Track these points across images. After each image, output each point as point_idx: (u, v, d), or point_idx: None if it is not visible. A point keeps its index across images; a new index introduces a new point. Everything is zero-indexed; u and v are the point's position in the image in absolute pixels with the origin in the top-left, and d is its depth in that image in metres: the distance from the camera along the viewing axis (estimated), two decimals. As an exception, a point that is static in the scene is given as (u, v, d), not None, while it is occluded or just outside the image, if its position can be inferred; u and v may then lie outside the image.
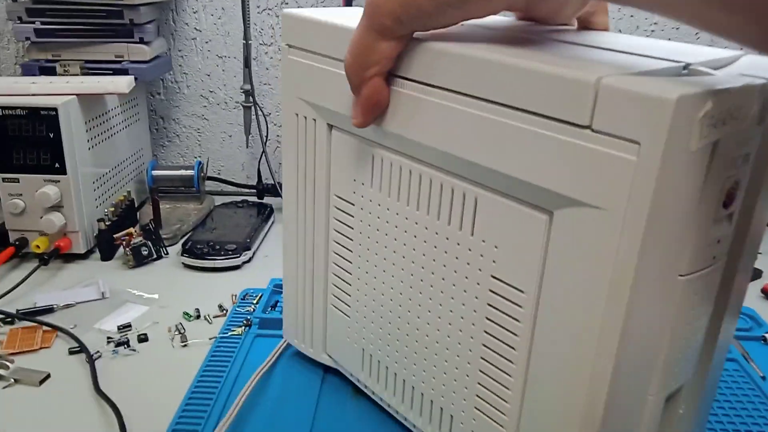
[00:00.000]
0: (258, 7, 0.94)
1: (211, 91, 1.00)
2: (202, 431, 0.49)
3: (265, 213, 0.89)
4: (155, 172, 0.91)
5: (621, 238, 0.29)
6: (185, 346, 0.61)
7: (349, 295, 0.49)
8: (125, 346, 0.60)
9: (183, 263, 0.77)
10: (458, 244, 0.38)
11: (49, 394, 0.54)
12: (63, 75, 0.82)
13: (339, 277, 0.50)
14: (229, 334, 0.62)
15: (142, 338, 0.62)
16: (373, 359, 0.49)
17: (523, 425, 0.37)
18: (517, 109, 0.32)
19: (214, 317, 0.66)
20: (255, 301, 0.68)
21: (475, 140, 0.34)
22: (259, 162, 0.96)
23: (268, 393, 0.54)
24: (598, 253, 0.30)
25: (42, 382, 0.56)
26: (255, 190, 0.96)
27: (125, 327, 0.63)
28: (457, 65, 0.34)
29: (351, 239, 0.47)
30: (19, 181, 0.73)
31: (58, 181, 0.74)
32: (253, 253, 0.80)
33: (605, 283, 0.30)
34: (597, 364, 0.32)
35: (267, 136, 0.96)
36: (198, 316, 0.66)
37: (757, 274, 0.76)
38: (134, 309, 0.67)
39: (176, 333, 0.63)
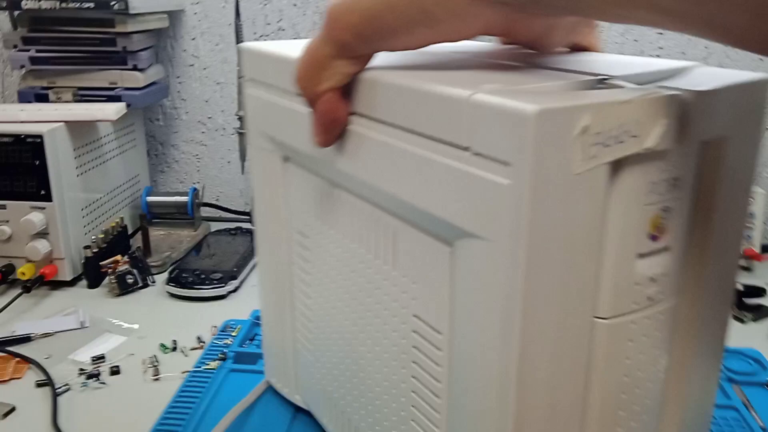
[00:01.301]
0: (254, 33, 0.94)
1: (209, 117, 0.99)
2: (157, 473, 0.47)
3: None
4: (149, 198, 0.90)
5: (506, 272, 0.26)
6: (157, 379, 0.60)
7: (311, 333, 0.47)
8: (95, 378, 0.59)
9: (168, 292, 0.76)
10: (385, 280, 0.36)
11: (11, 428, 0.53)
12: (55, 102, 0.82)
13: (303, 314, 0.48)
14: (203, 367, 0.60)
15: (114, 370, 0.60)
16: (331, 401, 0.46)
17: None
18: (412, 132, 0.30)
19: (191, 349, 0.64)
20: (234, 333, 0.66)
21: (385, 168, 0.33)
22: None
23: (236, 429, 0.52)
24: (490, 290, 0.27)
25: (6, 415, 0.54)
26: (249, 217, 0.94)
27: (99, 358, 0.62)
28: (371, 90, 0.33)
29: (309, 274, 0.45)
30: (5, 208, 0.73)
31: (44, 208, 0.73)
32: (240, 283, 0.78)
33: (498, 324, 0.27)
34: (497, 415, 0.28)
35: (262, 163, 0.95)
36: (174, 349, 0.65)
37: (763, 312, 0.71)
38: (112, 339, 0.66)
39: (149, 366, 0.61)
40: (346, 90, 0.34)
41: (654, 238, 0.27)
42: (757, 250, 0.84)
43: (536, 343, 0.27)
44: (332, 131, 0.35)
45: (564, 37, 0.38)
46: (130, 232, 0.89)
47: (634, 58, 0.35)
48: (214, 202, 1.00)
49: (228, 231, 0.91)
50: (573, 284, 0.26)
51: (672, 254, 0.28)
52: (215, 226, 0.94)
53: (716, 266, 0.31)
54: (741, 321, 0.71)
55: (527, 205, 0.24)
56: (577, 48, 0.39)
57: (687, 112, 0.26)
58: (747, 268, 0.84)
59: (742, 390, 0.57)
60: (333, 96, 0.34)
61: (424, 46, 0.31)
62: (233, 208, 1.00)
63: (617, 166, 0.25)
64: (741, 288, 0.74)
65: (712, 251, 0.30)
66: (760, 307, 0.73)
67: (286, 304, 0.49)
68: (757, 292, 0.74)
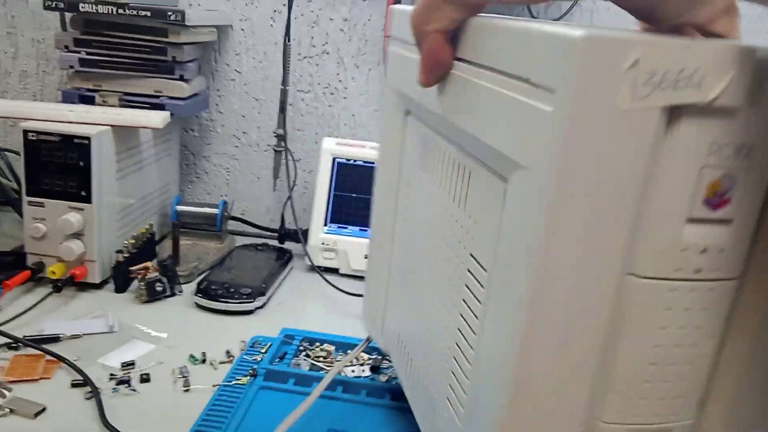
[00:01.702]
0: (299, 54, 0.95)
1: (244, 132, 1.00)
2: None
3: (284, 258, 0.88)
4: (179, 208, 0.91)
5: (538, 203, 0.26)
6: (187, 390, 0.59)
7: (398, 276, 0.51)
8: (126, 384, 0.59)
9: (196, 303, 0.76)
10: (456, 221, 0.38)
11: (43, 428, 0.53)
12: (101, 105, 0.83)
13: (395, 257, 0.52)
14: (233, 382, 0.60)
15: (145, 378, 0.60)
16: (400, 342, 0.51)
17: (473, 409, 0.35)
18: (492, 69, 0.31)
19: (219, 363, 0.64)
20: (264, 350, 0.66)
21: (465, 106, 0.34)
22: (284, 207, 0.95)
23: None
24: (523, 222, 0.27)
25: (37, 414, 0.54)
26: (277, 234, 0.95)
27: (129, 364, 0.62)
28: (467, 34, 0.35)
29: (406, 220, 0.49)
30: (44, 206, 0.74)
31: (83, 209, 0.73)
32: (268, 299, 0.79)
33: (523, 256, 0.27)
34: (509, 344, 0.29)
35: (295, 182, 0.96)
36: (204, 361, 0.64)
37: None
38: (140, 346, 0.66)
39: (180, 376, 0.61)
40: (454, 36, 0.36)
41: (712, 205, 0.26)
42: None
43: (557, 281, 0.26)
44: (434, 71, 0.37)
45: (683, 10, 0.33)
46: (157, 238, 0.89)
47: None
48: (241, 217, 1.00)
49: (255, 246, 0.92)
50: (606, 230, 0.26)
51: (733, 228, 0.27)
52: (239, 241, 0.95)
53: None
54: None
55: (566, 134, 0.24)
56: (713, 35, 0.35)
57: (763, 70, 0.24)
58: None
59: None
60: (439, 37, 0.36)
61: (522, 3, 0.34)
62: (259, 224, 1.00)
63: (675, 114, 0.24)
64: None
65: None
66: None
67: (387, 248, 0.52)
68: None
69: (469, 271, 0.36)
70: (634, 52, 0.23)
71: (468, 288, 0.36)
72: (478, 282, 0.34)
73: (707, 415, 0.31)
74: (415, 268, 0.47)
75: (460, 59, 0.36)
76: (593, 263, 0.26)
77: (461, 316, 0.37)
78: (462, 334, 0.37)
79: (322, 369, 0.64)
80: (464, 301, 0.36)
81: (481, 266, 0.34)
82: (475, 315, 0.35)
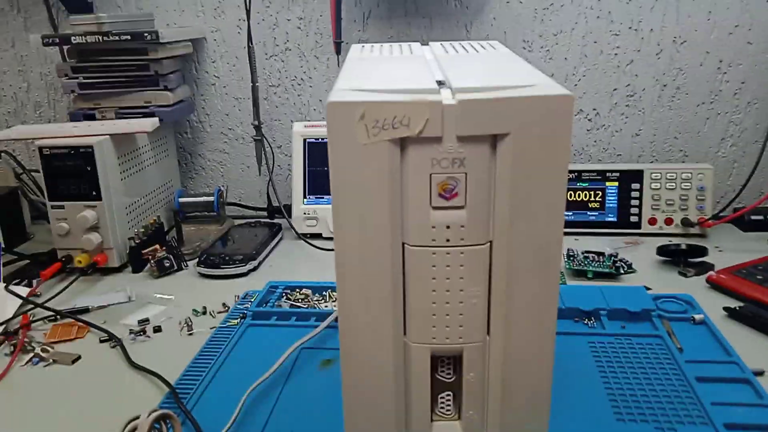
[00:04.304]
0: (266, 54, 1.09)
1: (230, 129, 1.15)
2: (196, 390, 0.60)
3: (273, 230, 1.02)
4: (181, 199, 1.06)
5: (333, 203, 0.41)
6: (191, 334, 0.74)
7: None
8: (142, 333, 0.74)
9: (198, 272, 0.90)
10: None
11: (79, 372, 0.68)
12: (101, 120, 0.98)
13: None
14: (227, 324, 0.74)
15: (157, 329, 0.75)
16: None
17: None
18: None
19: (218, 313, 0.79)
20: (253, 299, 0.80)
21: None
22: (267, 187, 1.09)
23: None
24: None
25: (74, 361, 0.69)
26: (267, 212, 1.09)
27: (144, 321, 0.77)
28: None
29: None
30: (64, 208, 0.89)
31: (95, 207, 0.89)
32: (259, 263, 0.93)
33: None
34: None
35: (273, 165, 1.10)
36: (204, 312, 0.79)
37: (704, 268, 0.83)
38: (153, 309, 0.81)
39: (185, 325, 0.75)
40: None
41: (445, 198, 0.40)
42: (708, 217, 0.95)
43: (349, 251, 0.41)
44: None
45: None
46: (165, 229, 1.04)
47: (516, 64, 0.48)
48: (236, 201, 1.15)
49: (249, 224, 1.06)
50: (379, 216, 0.40)
51: (468, 211, 0.41)
52: (238, 222, 1.09)
53: (521, 225, 0.41)
54: (685, 275, 0.83)
55: (334, 159, 0.39)
56: None
57: (447, 113, 0.38)
58: (702, 235, 0.96)
59: (670, 324, 0.69)
60: None
61: None
62: (253, 206, 1.14)
63: (405, 143, 0.39)
64: (685, 247, 0.85)
65: (510, 214, 0.40)
66: (702, 264, 0.84)
67: None
68: (700, 251, 0.85)
69: None
70: (360, 109, 0.38)
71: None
72: None
73: (492, 338, 0.45)
74: None
75: None
76: (372, 237, 0.41)
77: None
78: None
79: (300, 307, 0.78)
80: None
81: None
82: None
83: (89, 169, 0.87)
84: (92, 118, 1.00)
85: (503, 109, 0.39)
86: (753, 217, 0.96)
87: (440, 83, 0.42)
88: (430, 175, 0.40)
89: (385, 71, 0.48)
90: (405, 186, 0.40)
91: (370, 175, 0.40)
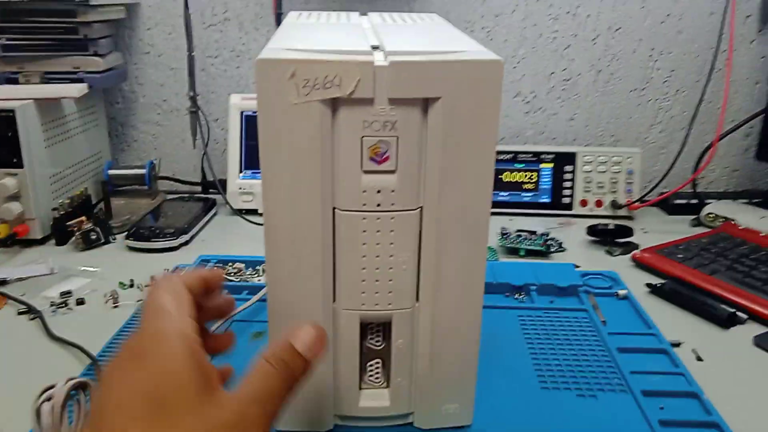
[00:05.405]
0: (203, 23, 1.05)
1: (164, 100, 1.11)
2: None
3: (207, 205, 1.00)
4: (111, 171, 1.02)
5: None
6: (116, 307, 0.71)
7: None
8: (64, 305, 0.71)
9: (127, 246, 0.87)
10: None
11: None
12: (25, 84, 0.93)
13: None
14: (156, 297, 0.72)
15: (80, 301, 0.72)
16: None
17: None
18: None
19: (145, 286, 0.76)
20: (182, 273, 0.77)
21: None
22: (202, 161, 1.07)
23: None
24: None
25: (-10, 334, 0.66)
26: (201, 186, 1.06)
27: (66, 293, 0.74)
28: None
29: None
30: (-18, 175, 0.84)
31: (16, 174, 0.84)
32: (191, 237, 0.90)
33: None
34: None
35: (209, 138, 1.07)
36: (131, 285, 0.76)
37: (630, 248, 0.85)
38: (77, 281, 0.77)
39: (110, 298, 0.73)
40: None
41: (377, 161, 0.40)
42: (635, 200, 0.98)
43: (278, 215, 0.41)
44: None
45: None
46: (93, 202, 1.00)
47: (451, 33, 0.49)
48: (170, 176, 1.12)
49: (182, 198, 1.03)
50: (308, 179, 0.40)
51: (398, 176, 0.40)
52: (171, 197, 1.06)
53: (451, 191, 0.41)
54: (611, 254, 0.85)
55: (264, 118, 0.38)
56: None
57: (379, 75, 0.38)
58: (629, 217, 0.99)
59: (596, 299, 0.71)
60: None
61: None
62: (187, 180, 1.11)
63: (336, 104, 0.38)
64: (613, 228, 0.88)
65: (440, 179, 0.41)
66: (627, 243, 0.87)
67: None
68: (626, 232, 0.88)
69: None
70: (291, 67, 0.37)
71: None
72: None
73: (421, 305, 0.45)
74: None
75: None
76: (302, 201, 0.41)
77: None
78: None
79: (232, 281, 0.76)
80: None
81: None
82: None
83: (10, 134, 0.83)
84: (15, 82, 0.95)
85: (435, 73, 0.39)
86: (677, 201, 1.00)
87: (375, 47, 0.41)
88: (362, 138, 0.39)
89: (321, 35, 0.48)
90: (336, 149, 0.40)
91: (300, 137, 0.39)
